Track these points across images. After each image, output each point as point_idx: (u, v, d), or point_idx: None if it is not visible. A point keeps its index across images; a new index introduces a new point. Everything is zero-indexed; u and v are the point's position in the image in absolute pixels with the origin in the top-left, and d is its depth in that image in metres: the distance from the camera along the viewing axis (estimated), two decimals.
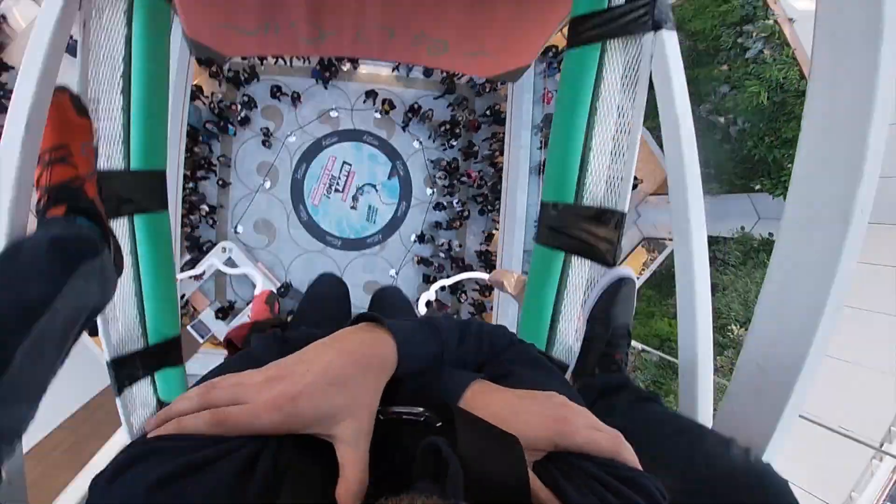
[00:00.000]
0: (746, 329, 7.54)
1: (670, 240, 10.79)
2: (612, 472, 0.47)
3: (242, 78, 12.55)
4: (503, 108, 12.42)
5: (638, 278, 11.11)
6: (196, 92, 12.40)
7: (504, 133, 12.17)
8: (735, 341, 7.13)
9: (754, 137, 7.89)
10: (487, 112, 12.79)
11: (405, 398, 0.53)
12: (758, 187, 8.02)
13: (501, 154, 12.29)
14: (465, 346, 0.66)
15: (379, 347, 0.53)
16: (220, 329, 12.26)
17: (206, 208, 12.18)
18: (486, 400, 0.56)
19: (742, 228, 8.42)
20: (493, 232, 12.90)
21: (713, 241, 8.87)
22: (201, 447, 0.40)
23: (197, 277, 12.29)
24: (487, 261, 12.65)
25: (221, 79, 13.10)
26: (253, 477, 0.40)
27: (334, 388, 0.46)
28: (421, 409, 0.51)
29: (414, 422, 0.51)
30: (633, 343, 9.64)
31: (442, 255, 12.68)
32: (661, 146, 8.49)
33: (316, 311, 1.35)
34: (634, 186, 11.08)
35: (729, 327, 7.39)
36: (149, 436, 0.43)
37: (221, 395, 0.46)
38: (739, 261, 8.12)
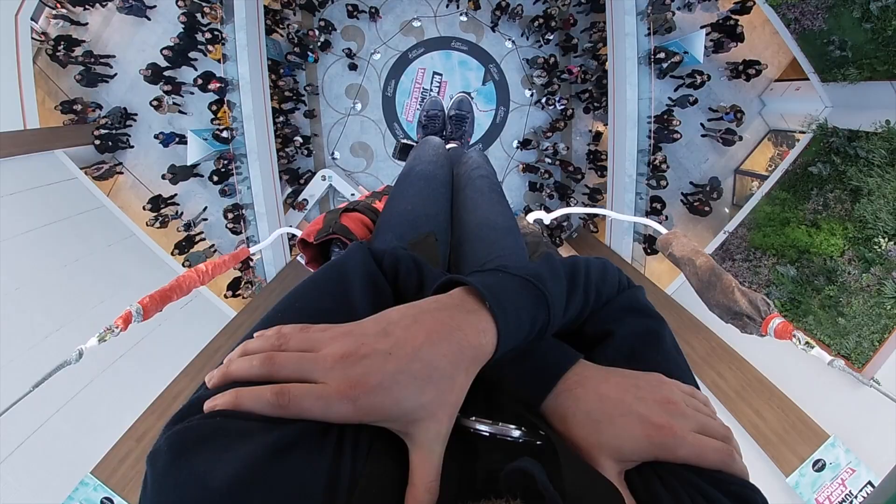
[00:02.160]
0: None
1: (802, 132, 10.63)
2: (718, 483, 0.46)
3: (316, 2, 12.89)
4: None
5: (767, 178, 10.88)
6: (272, 25, 12.73)
7: (605, 21, 12.17)
8: (883, 256, 6.69)
9: None
10: (582, 0, 12.36)
11: (483, 385, 0.51)
12: None
13: (604, 44, 12.14)
14: (572, 307, 0.62)
15: (477, 333, 0.49)
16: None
17: (301, 139, 12.94)
18: (585, 393, 0.53)
19: (888, 122, 7.80)
20: (601, 129, 13.20)
21: (853, 135, 8.61)
22: (267, 428, 0.39)
23: (300, 206, 12.87)
24: (597, 162, 13.12)
25: (295, 7, 13.29)
26: (340, 471, 0.39)
27: (420, 382, 0.43)
28: (519, 434, 0.49)
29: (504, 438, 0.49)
30: (767, 255, 8.81)
31: (548, 160, 13.08)
32: (787, 25, 7.76)
33: (412, 201, 1.24)
34: (758, 72, 11.03)
35: (875, 239, 6.88)
36: (206, 406, 0.40)
37: (287, 364, 0.43)
38: (886, 160, 7.55)
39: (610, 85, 11.49)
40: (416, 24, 13.70)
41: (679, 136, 10.83)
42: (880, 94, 8.30)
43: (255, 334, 0.47)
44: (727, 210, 12.14)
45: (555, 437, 0.47)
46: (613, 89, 11.30)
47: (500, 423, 0.49)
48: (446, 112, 2.33)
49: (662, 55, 10.65)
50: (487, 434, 0.49)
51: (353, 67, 13.68)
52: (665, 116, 10.93)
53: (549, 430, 0.49)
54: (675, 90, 11.37)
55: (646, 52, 10.92)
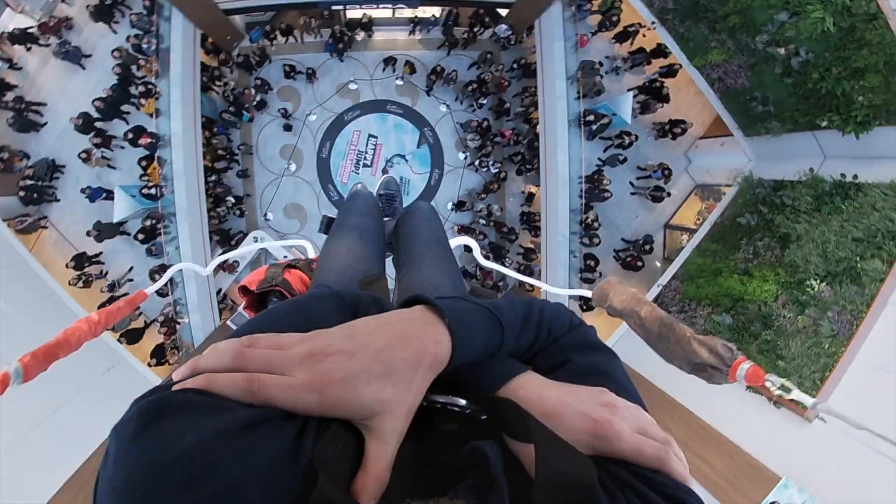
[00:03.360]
0: (828, 284, 7.58)
1: (728, 185, 11.45)
2: (654, 485, 0.49)
3: (253, 62, 13.24)
4: (532, 60, 12.75)
5: (696, 231, 11.65)
6: (208, 82, 12.94)
7: (535, 86, 13.18)
8: (816, 297, 7.06)
9: (819, 69, 7.75)
10: (515, 66, 14.12)
11: (444, 382, 0.55)
12: (824, 124, 7.91)
13: (536, 108, 12.62)
14: (524, 338, 0.68)
15: (434, 343, 0.53)
16: None
17: (233, 199, 12.99)
18: (528, 394, 0.58)
19: (811, 170, 8.37)
20: (533, 191, 13.90)
21: (778, 185, 9.13)
22: (238, 407, 0.42)
23: (231, 269, 12.82)
24: (530, 222, 13.87)
25: (232, 65, 13.56)
26: (301, 448, 0.43)
27: (380, 381, 0.47)
28: (465, 403, 0.55)
29: (456, 412, 0.54)
30: (702, 305, 9.54)
31: (482, 221, 13.20)
32: (711, 85, 8.64)
33: (347, 257, 1.32)
34: (683, 131, 11.35)
35: (808, 282, 7.24)
36: (175, 387, 0.43)
37: (257, 358, 0.47)
38: (812, 206, 8.01)
39: (542, 147, 12.22)
40: (353, 86, 14.21)
41: (609, 194, 11.53)
42: (801, 144, 8.88)
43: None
44: (658, 264, 12.86)
45: (526, 414, 0.51)
46: (545, 151, 12.01)
47: (449, 395, 0.55)
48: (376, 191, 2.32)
49: (592, 117, 11.37)
50: (439, 405, 0.54)
51: (288, 128, 14.07)
52: (595, 176, 11.66)
53: (524, 412, 0.52)
54: (605, 150, 12.12)
55: (576, 114, 11.62)
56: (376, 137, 14.32)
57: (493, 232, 14.25)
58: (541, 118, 12.48)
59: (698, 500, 0.49)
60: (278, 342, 0.49)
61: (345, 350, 0.48)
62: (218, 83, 14.02)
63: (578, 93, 11.76)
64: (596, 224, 11.49)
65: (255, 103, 14.13)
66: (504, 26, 13.73)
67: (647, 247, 11.98)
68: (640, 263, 11.85)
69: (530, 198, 14.22)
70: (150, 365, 11.49)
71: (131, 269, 12.93)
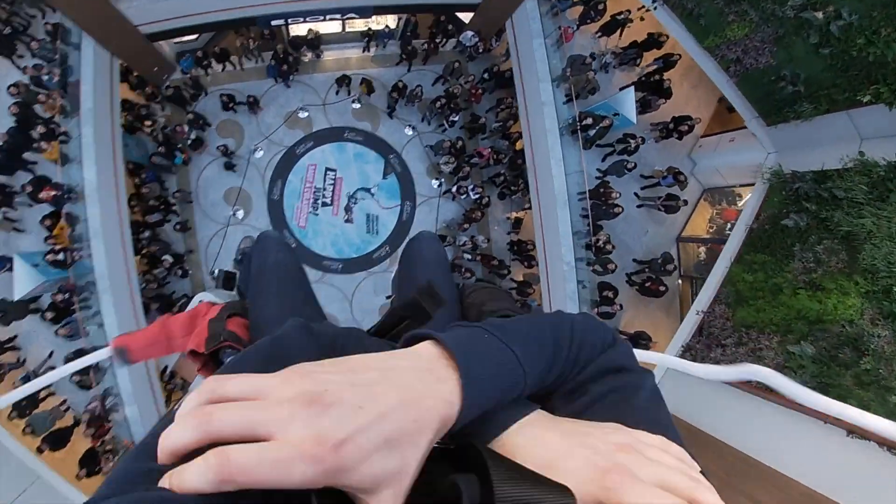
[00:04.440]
0: None
1: (745, 185, 10.51)
2: None
3: (186, 95, 11.46)
4: (506, 67, 12.62)
5: (711, 240, 10.96)
6: (134, 121, 11.11)
7: (512, 96, 12.27)
8: None
9: (866, 32, 6.86)
10: (486, 76, 13.03)
11: None
12: (867, 99, 7.06)
13: (515, 121, 11.42)
14: (550, 377, 0.63)
15: (445, 406, 0.48)
16: None
17: (171, 258, 11.09)
18: (528, 441, 0.53)
19: (861, 154, 7.43)
20: (521, 215, 12.99)
21: (820, 176, 8.17)
22: None
23: None
24: (522, 252, 12.73)
25: (161, 101, 11.75)
26: None
27: (389, 445, 0.41)
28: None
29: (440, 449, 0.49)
30: (766, 333, 7.80)
31: (467, 256, 12.75)
32: (726, 68, 9.45)
33: (277, 301, 1.27)
34: (690, 128, 10.79)
35: None
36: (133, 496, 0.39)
37: (230, 421, 0.38)
38: (873, 196, 7.08)
39: (529, 164, 11.26)
40: (303, 114, 12.69)
41: (621, 209, 10.24)
42: (832, 127, 8.01)
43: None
44: (679, 283, 11.83)
45: (487, 452, 0.47)
46: (534, 168, 10.98)
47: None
48: None
49: (589, 120, 10.18)
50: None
51: (230, 168, 12.83)
52: (601, 190, 10.42)
53: (486, 449, 0.48)
54: (604, 159, 11.08)
55: (567, 120, 10.50)
56: (335, 171, 13.09)
57: (480, 267, 12.56)
58: (524, 131, 11.42)
59: None
60: (255, 388, 0.41)
61: (349, 400, 0.41)
62: (147, 122, 12.52)
63: (569, 94, 10.63)
64: (609, 247, 10.13)
65: (189, 142, 12.48)
66: (469, 33, 12.63)
67: (668, 266, 10.49)
68: (662, 288, 10.46)
69: (518, 223, 13.10)
70: (79, 477, 9.60)
71: (51, 354, 10.93)
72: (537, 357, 0.60)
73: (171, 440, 0.38)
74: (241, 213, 12.84)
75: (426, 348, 0.53)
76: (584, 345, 0.67)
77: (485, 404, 0.52)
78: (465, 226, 12.68)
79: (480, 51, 13.04)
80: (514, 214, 13.16)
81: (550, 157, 10.31)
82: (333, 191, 12.96)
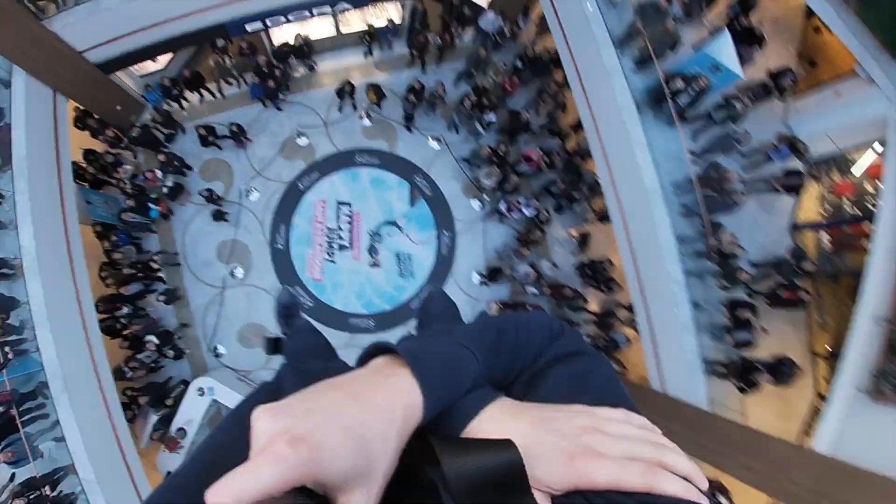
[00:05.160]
0: None
1: (865, 147, 8.76)
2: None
3: (160, 136, 8.97)
4: (544, 47, 10.48)
5: (832, 224, 9.19)
6: (98, 174, 10.48)
7: (557, 81, 10.21)
8: None
9: None
10: (518, 64, 10.62)
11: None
12: None
13: (564, 110, 10.37)
14: (497, 369, 0.70)
15: (404, 400, 0.52)
16: None
17: (155, 340, 8.39)
18: (498, 425, 0.57)
19: None
20: (588, 229, 10.68)
21: None
22: None
23: (172, 444, 9.79)
24: (598, 275, 10.21)
25: (127, 146, 9.50)
26: None
27: (352, 442, 0.44)
28: None
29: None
30: None
31: (532, 289, 10.30)
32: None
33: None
34: (794, 82, 8.44)
35: None
36: None
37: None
38: None
39: (598, 158, 8.99)
40: (302, 141, 10.50)
41: (743, 196, 8.12)
42: None
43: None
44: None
45: (433, 439, 0.49)
46: (607, 161, 8.81)
47: None
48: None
49: (680, 83, 8.09)
50: None
51: (221, 217, 10.69)
52: (715, 175, 8.24)
53: (432, 437, 0.51)
54: (695, 136, 8.86)
55: (646, 90, 8.41)
56: (349, 205, 10.91)
57: (546, 300, 10.00)
58: (585, 117, 9.09)
59: None
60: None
61: (299, 407, 0.45)
62: (117, 172, 10.43)
63: (642, 56, 8.45)
64: (737, 249, 8.02)
65: (166, 191, 10.13)
66: (491, 15, 10.84)
67: (805, 265, 8.35)
68: (802, 294, 8.20)
69: (584, 240, 10.71)
70: None
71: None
72: (480, 339, 0.69)
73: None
74: (239, 272, 10.61)
75: (378, 360, 0.58)
76: (529, 341, 0.75)
77: (443, 388, 0.56)
78: (523, 251, 10.25)
79: (507, 35, 10.68)
80: (577, 230, 10.78)
81: (631, 141, 8.08)
82: (351, 230, 10.70)
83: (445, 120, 11.03)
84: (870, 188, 8.95)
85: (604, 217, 10.01)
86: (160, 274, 10.75)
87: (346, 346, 10.52)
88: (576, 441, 0.52)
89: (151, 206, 10.35)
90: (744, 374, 7.86)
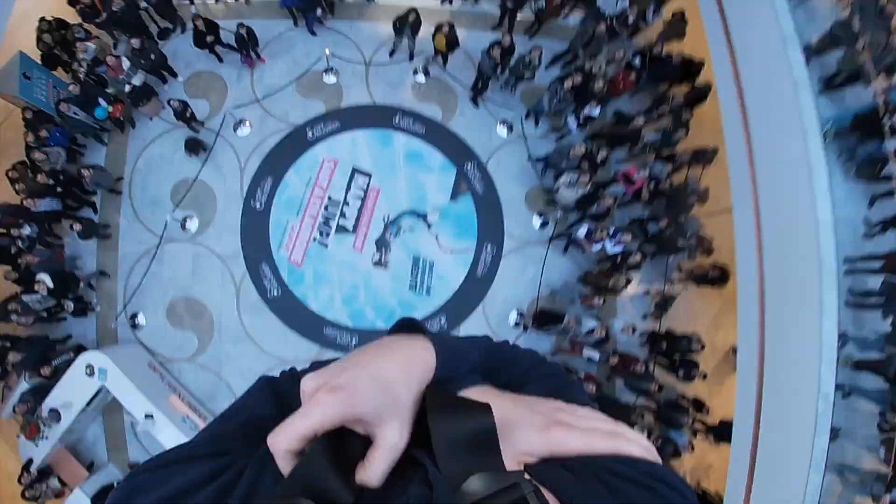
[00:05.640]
0: None
1: None
2: (619, 465, 0.53)
3: (155, 28, 6.61)
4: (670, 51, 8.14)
5: None
6: (55, 48, 8.12)
7: (671, 94, 8.13)
8: None
9: None
10: (636, 62, 8.19)
11: None
12: None
13: (684, 131, 7.80)
14: (492, 370, 0.79)
15: (418, 352, 0.62)
16: None
17: (49, 282, 5.87)
18: (483, 398, 0.60)
19: None
20: (676, 291, 8.26)
21: None
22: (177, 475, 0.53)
23: (31, 430, 7.48)
24: (676, 354, 7.77)
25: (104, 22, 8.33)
26: (234, 491, 0.52)
27: (381, 388, 0.54)
28: None
29: None
30: None
31: (592, 353, 7.72)
32: None
33: None
34: None
35: None
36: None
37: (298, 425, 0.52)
38: None
39: (742, 196, 6.88)
40: (329, 78, 8.08)
41: None
42: None
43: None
44: None
45: (427, 390, 0.58)
46: (756, 204, 6.69)
47: None
48: None
49: None
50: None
51: (195, 148, 7.97)
52: None
53: (427, 388, 0.59)
54: (872, 203, 6.79)
55: (834, 121, 6.43)
56: (369, 176, 8.13)
57: (603, 371, 7.40)
58: (733, 137, 6.93)
59: (665, 469, 0.54)
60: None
61: (337, 366, 0.56)
62: (75, 48, 7.98)
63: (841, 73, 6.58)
64: None
65: (127, 89, 7.72)
66: None
67: None
68: None
69: (665, 305, 8.05)
70: None
71: None
72: (479, 341, 0.81)
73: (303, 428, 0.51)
74: (193, 224, 7.98)
75: (406, 333, 0.68)
76: (517, 357, 0.86)
77: (450, 360, 0.65)
78: (595, 301, 7.52)
79: (628, 25, 8.11)
80: (658, 292, 8.06)
81: (812, 184, 6.00)
82: (361, 209, 8.12)
83: (526, 104, 8.34)
84: None
85: (702, 279, 7.98)
86: (92, 198, 8.00)
87: (309, 362, 7.54)
88: (551, 416, 0.59)
89: (102, 102, 7.61)
90: None
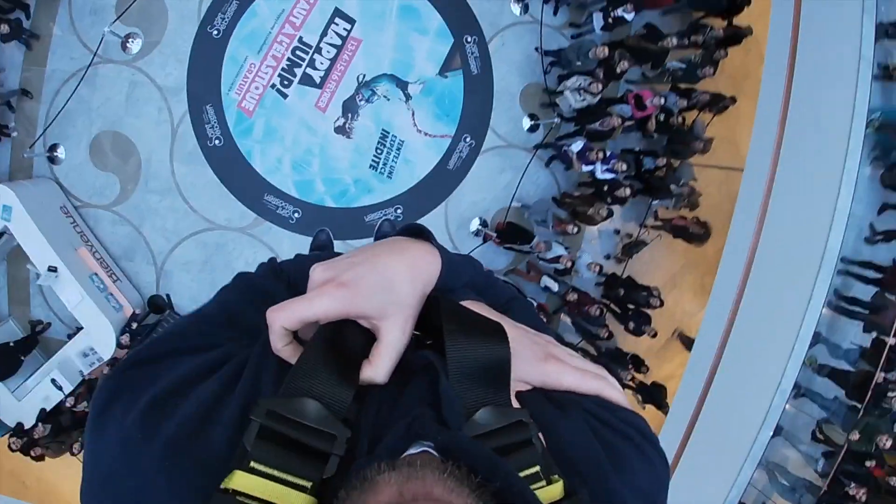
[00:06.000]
0: None
1: None
2: (600, 406, 0.56)
3: None
4: None
5: None
6: None
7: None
8: None
9: None
10: None
11: None
12: None
13: (713, 69, 6.96)
14: (481, 289, 0.78)
15: (424, 254, 0.61)
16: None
17: None
18: (484, 312, 0.62)
19: None
20: (643, 237, 7.84)
21: None
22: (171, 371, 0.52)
23: None
24: (631, 304, 7.39)
25: None
26: (233, 389, 0.50)
27: (385, 282, 0.55)
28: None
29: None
30: None
31: (550, 282, 7.26)
32: None
33: None
34: None
35: None
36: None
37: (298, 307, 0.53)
38: None
39: (760, 160, 6.45)
40: None
41: None
42: None
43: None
44: None
45: (440, 297, 0.58)
46: (774, 171, 6.22)
47: None
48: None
49: None
50: None
51: None
52: None
53: (439, 296, 0.59)
54: (881, 210, 6.71)
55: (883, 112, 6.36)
56: (352, 22, 7.00)
57: (556, 302, 7.54)
58: (770, 96, 6.40)
59: (640, 418, 0.57)
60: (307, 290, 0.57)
61: (347, 260, 0.56)
62: None
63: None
64: None
65: None
66: None
67: None
68: None
69: (633, 248, 7.67)
70: None
71: None
72: (477, 270, 0.79)
73: (314, 311, 0.53)
74: (136, 44, 6.96)
75: (413, 238, 0.66)
76: (500, 285, 0.86)
77: (453, 266, 0.64)
78: (568, 226, 6.93)
79: None
80: (637, 233, 7.71)
81: (843, 171, 5.91)
82: (334, 60, 7.14)
83: None
84: None
85: (682, 232, 7.50)
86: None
87: (241, 231, 6.75)
88: (545, 348, 0.60)
89: None
90: None
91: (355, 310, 0.52)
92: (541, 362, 0.58)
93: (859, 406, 6.28)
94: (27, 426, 6.70)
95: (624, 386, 7.58)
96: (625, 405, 0.58)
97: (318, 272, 0.56)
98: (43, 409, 6.84)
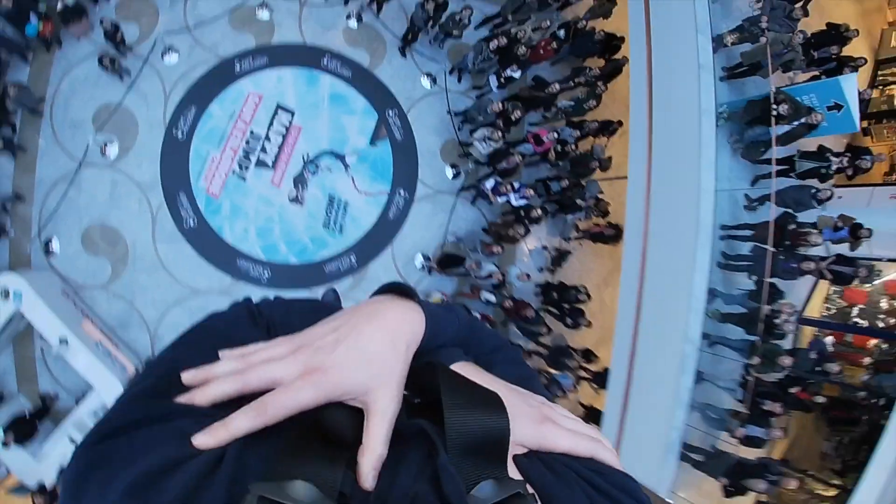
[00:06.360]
0: None
1: None
2: (595, 472, 0.55)
3: None
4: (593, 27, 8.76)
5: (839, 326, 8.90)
6: None
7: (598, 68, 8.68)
8: None
9: None
10: (560, 34, 8.63)
11: None
12: None
13: (595, 103, 8.39)
14: (465, 340, 0.78)
15: (406, 313, 0.62)
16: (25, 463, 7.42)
17: None
18: (474, 375, 0.64)
19: None
20: (570, 247, 9.13)
21: None
22: (151, 450, 0.45)
23: None
24: (566, 304, 8.57)
25: None
26: (217, 473, 0.44)
27: (366, 357, 0.54)
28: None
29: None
30: None
31: (489, 296, 8.47)
32: None
33: None
34: (868, 168, 7.61)
35: None
36: (196, 441, 0.47)
37: (255, 379, 0.52)
38: None
39: (638, 161, 7.50)
40: (263, 14, 8.10)
41: (813, 266, 6.76)
42: None
43: (221, 354, 0.57)
44: None
45: (438, 364, 0.58)
46: (648, 168, 7.37)
47: None
48: None
49: (785, 108, 6.98)
50: None
51: (115, 67, 7.83)
52: (792, 227, 7.00)
53: (438, 363, 0.59)
54: (755, 181, 7.79)
55: (729, 105, 7.67)
56: (292, 113, 8.34)
57: (498, 313, 8.71)
58: (638, 112, 7.52)
59: (633, 481, 0.57)
60: (268, 354, 0.55)
61: (329, 340, 0.55)
62: None
63: (746, 63, 7.60)
64: (788, 325, 7.00)
65: (60, 7, 7.61)
66: None
67: (830, 367, 7.05)
68: (818, 400, 7.30)
69: (560, 259, 8.99)
70: None
71: None
72: (461, 321, 0.77)
73: (218, 391, 0.50)
74: (113, 150, 7.89)
75: (394, 296, 0.67)
76: (485, 336, 0.85)
77: (437, 324, 0.65)
78: (495, 248, 8.09)
79: None
80: (556, 245, 9.00)
81: (700, 157, 6.90)
82: (282, 146, 8.35)
83: (452, 60, 8.75)
84: (883, 304, 8.76)
85: (598, 237, 9.00)
86: (13, 118, 7.92)
87: (222, 293, 7.86)
88: (541, 410, 0.61)
89: (33, 19, 7.54)
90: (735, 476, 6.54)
91: (339, 393, 0.51)
92: (537, 425, 0.58)
93: (760, 338, 7.09)
94: (48, 486, 7.15)
95: (579, 379, 8.61)
96: (618, 467, 0.58)
97: (282, 349, 0.54)
98: (61, 468, 7.42)
